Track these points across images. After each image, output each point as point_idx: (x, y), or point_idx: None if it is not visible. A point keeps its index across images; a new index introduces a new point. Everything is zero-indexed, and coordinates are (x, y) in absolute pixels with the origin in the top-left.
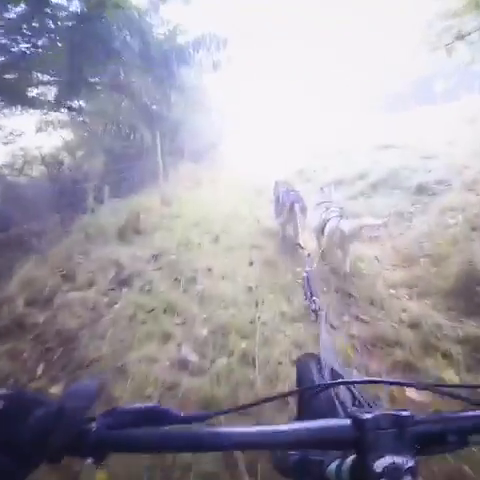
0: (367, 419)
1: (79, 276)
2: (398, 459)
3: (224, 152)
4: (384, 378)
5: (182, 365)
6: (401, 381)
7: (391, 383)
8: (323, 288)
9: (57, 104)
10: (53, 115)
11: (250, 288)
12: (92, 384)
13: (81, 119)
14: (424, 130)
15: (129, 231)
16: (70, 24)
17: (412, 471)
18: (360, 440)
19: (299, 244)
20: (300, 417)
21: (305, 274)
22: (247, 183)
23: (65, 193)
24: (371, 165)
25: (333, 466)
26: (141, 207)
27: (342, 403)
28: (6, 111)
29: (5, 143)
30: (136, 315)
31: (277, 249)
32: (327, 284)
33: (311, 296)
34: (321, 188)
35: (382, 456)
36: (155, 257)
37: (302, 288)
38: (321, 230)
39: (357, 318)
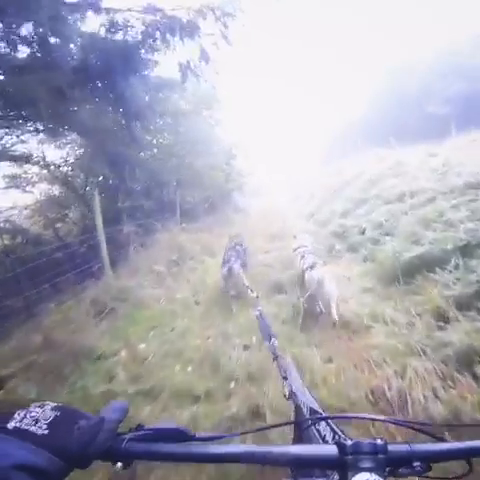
0: (348, 445)
1: None
2: (371, 477)
3: (235, 205)
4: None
5: None
6: (381, 418)
7: (374, 419)
8: None
9: None
10: (26, 168)
11: None
12: (124, 402)
13: (60, 171)
14: None
15: None
16: None
17: None
18: (342, 461)
19: (249, 287)
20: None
21: (257, 312)
22: (261, 269)
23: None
24: (475, 225)
25: None
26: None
27: (323, 438)
28: None
29: None
30: None
31: None
32: None
33: (270, 338)
34: (294, 236)
35: (358, 474)
36: None
37: (259, 330)
38: (302, 280)
39: None
